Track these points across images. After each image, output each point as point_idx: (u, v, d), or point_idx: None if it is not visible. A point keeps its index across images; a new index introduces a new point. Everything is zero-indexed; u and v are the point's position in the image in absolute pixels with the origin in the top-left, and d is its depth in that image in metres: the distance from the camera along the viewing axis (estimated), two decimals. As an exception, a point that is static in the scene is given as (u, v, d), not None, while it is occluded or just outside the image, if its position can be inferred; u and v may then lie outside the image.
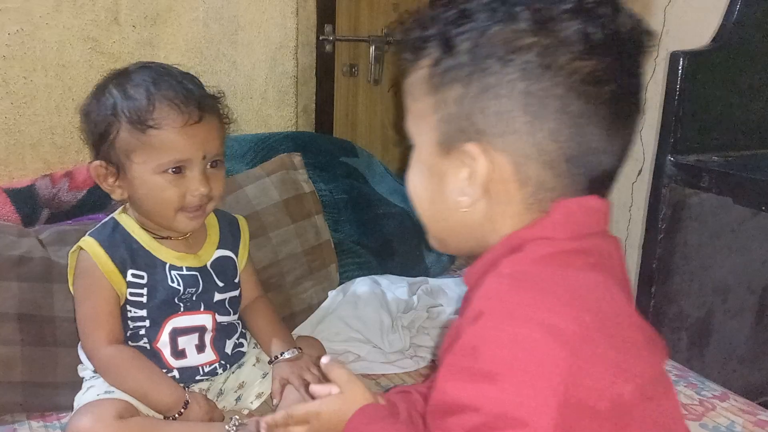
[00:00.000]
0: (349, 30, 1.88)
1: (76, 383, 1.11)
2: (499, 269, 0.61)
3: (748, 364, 1.84)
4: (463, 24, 0.61)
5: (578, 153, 0.61)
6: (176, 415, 1.04)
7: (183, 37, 1.58)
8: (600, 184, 0.64)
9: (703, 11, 1.78)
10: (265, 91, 1.72)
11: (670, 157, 1.60)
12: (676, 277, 1.67)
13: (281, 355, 1.14)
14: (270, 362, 1.15)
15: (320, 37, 1.77)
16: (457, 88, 0.62)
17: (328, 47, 1.81)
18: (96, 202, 1.40)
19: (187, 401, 1.05)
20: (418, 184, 0.68)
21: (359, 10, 1.89)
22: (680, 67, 1.57)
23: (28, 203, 1.37)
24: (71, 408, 1.09)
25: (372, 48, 1.90)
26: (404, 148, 0.70)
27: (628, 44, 0.61)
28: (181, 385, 1.09)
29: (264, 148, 1.59)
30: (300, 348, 1.16)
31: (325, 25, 1.79)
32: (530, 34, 0.59)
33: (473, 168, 0.62)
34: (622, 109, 0.62)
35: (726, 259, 1.73)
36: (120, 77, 1.06)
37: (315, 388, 0.80)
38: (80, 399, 1.08)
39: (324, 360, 0.79)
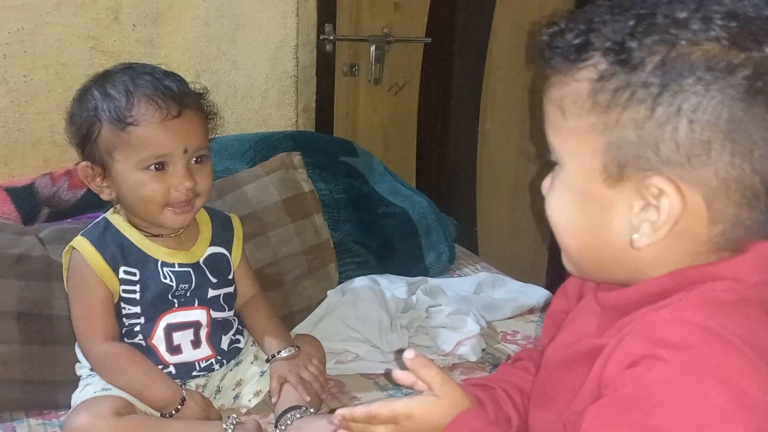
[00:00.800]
0: (350, 29, 1.88)
1: (75, 381, 1.12)
2: (679, 313, 0.53)
3: None
4: (645, 32, 0.52)
5: None
6: (173, 412, 1.05)
7: (183, 36, 1.58)
8: None
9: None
10: (265, 91, 1.72)
11: None
12: None
13: (278, 353, 1.14)
14: (267, 361, 1.16)
15: (321, 37, 1.77)
16: (638, 110, 0.53)
17: (328, 47, 1.81)
18: (96, 200, 1.39)
19: (184, 398, 1.05)
20: (566, 211, 0.60)
21: (360, 10, 1.89)
22: None
23: (29, 201, 1.38)
24: (70, 406, 1.09)
25: (372, 47, 1.90)
26: (543, 163, 0.62)
27: None
28: (178, 381, 1.09)
29: (264, 147, 1.59)
30: (297, 346, 1.16)
31: (326, 25, 1.79)
32: (738, 51, 0.51)
33: (656, 205, 0.54)
34: None
35: None
36: (101, 79, 1.08)
37: (400, 375, 0.70)
38: (77, 397, 1.09)
39: (409, 355, 0.68)
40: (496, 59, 2.11)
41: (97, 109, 1.04)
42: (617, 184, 0.55)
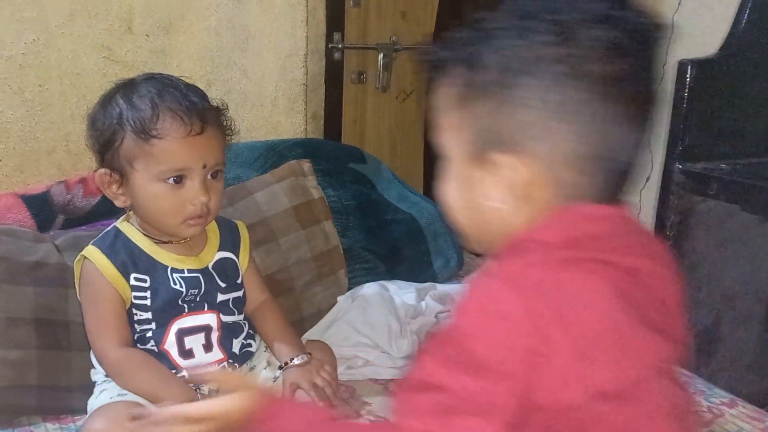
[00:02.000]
0: (358, 38, 1.90)
1: (91, 387, 1.13)
2: (489, 269, 0.65)
3: (756, 371, 1.84)
4: (490, 43, 0.65)
5: (608, 152, 0.64)
6: None
7: (195, 46, 1.61)
8: (623, 182, 0.67)
9: (712, 20, 1.79)
10: (275, 99, 1.74)
11: (678, 165, 1.61)
12: (683, 285, 1.68)
13: (291, 361, 1.16)
14: (280, 368, 1.17)
15: (329, 45, 1.79)
16: (488, 102, 0.65)
17: (337, 55, 1.83)
18: (110, 208, 1.40)
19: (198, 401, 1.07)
20: (452, 195, 0.71)
21: (367, 19, 1.91)
22: (688, 76, 1.58)
23: (44, 209, 1.39)
24: (86, 411, 1.11)
25: (380, 56, 1.92)
26: (435, 159, 0.73)
27: (645, 41, 0.64)
28: (191, 385, 1.11)
29: (274, 154, 1.60)
30: (309, 353, 1.18)
31: (334, 34, 1.81)
32: (556, 46, 0.62)
33: (509, 177, 0.66)
34: (642, 105, 0.65)
35: (734, 267, 1.74)
36: (126, 87, 1.09)
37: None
38: (93, 403, 1.10)
39: (186, 374, 0.84)
40: None
41: (122, 117, 1.05)
42: (482, 165, 0.67)
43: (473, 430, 0.60)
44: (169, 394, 1.06)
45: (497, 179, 0.67)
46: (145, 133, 1.03)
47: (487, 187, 0.68)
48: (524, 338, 0.60)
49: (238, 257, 1.21)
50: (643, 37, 0.64)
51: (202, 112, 1.06)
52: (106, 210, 1.41)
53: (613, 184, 0.67)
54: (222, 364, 1.14)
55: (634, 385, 0.64)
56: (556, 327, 0.60)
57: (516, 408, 0.61)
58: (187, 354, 1.12)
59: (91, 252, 1.10)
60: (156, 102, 1.05)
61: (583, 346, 0.61)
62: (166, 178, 1.05)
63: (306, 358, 1.16)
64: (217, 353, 1.14)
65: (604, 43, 0.62)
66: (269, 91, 1.72)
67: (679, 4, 1.89)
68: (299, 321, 1.40)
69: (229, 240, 1.20)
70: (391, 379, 1.29)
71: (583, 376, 0.61)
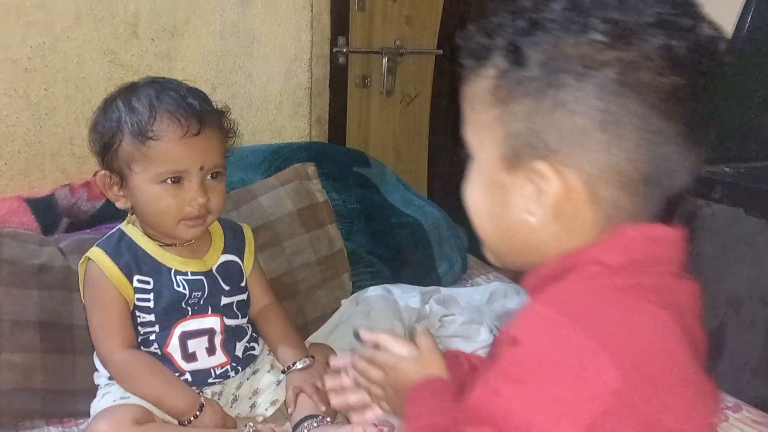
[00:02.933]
0: (362, 42, 1.91)
1: (94, 390, 1.13)
2: (546, 296, 0.59)
3: (761, 375, 1.84)
4: (535, 34, 0.58)
5: (655, 172, 0.58)
6: (191, 419, 1.06)
7: (200, 50, 1.61)
8: (673, 205, 0.62)
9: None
10: (279, 103, 1.74)
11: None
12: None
13: (294, 365, 1.16)
14: (284, 372, 1.17)
15: (334, 50, 1.80)
16: (526, 102, 0.59)
17: (341, 59, 1.84)
18: (114, 211, 1.41)
19: (202, 405, 1.07)
20: (478, 198, 0.66)
21: (372, 23, 1.92)
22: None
23: (48, 212, 1.40)
24: (89, 415, 1.11)
25: (385, 60, 1.92)
26: (461, 157, 0.68)
27: (708, 55, 0.58)
28: (194, 389, 1.11)
29: (278, 158, 1.61)
30: (312, 356, 1.18)
31: (339, 38, 1.81)
32: (609, 49, 0.56)
33: (543, 188, 0.60)
34: (699, 125, 0.59)
35: (739, 271, 1.73)
36: (127, 91, 1.10)
37: (386, 339, 0.83)
38: (96, 406, 1.10)
39: (419, 328, 0.83)
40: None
41: (120, 120, 1.07)
42: (514, 170, 0.61)
43: None
44: (174, 397, 1.06)
45: (530, 188, 0.60)
46: (142, 135, 1.04)
47: (518, 196, 0.61)
48: (595, 389, 0.53)
49: (242, 260, 1.21)
50: (707, 51, 0.58)
51: (200, 114, 1.07)
52: (111, 213, 1.42)
53: (660, 208, 0.60)
54: (225, 368, 1.14)
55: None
56: (630, 373, 0.53)
57: None
58: (190, 357, 1.13)
59: (96, 254, 1.11)
60: (154, 104, 1.06)
61: (657, 392, 0.55)
62: (163, 179, 1.06)
63: (309, 362, 1.16)
64: (220, 356, 1.14)
65: (663, 52, 0.56)
66: (274, 95, 1.73)
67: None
68: (303, 324, 1.40)
69: (234, 243, 1.21)
70: (395, 383, 1.28)
71: (658, 421, 0.55)
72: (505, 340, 0.60)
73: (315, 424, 1.08)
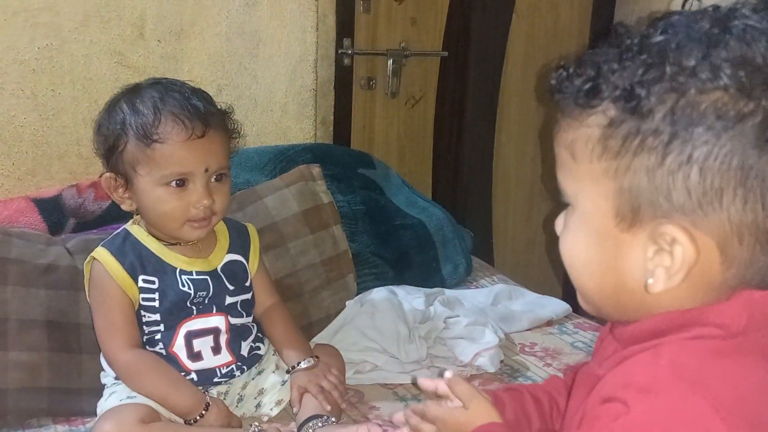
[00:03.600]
0: (367, 44, 1.91)
1: (100, 390, 1.14)
2: (656, 356, 0.54)
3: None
4: (655, 80, 0.52)
5: None
6: (197, 418, 1.06)
7: (206, 52, 1.62)
8: None
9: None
10: (285, 104, 1.75)
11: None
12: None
13: (298, 364, 1.16)
14: (288, 372, 1.17)
15: (339, 51, 1.80)
16: (647, 157, 0.53)
17: (346, 61, 1.84)
18: (120, 212, 1.41)
19: (208, 404, 1.07)
20: (580, 251, 0.59)
21: (377, 25, 1.92)
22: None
23: (55, 212, 1.41)
24: (95, 414, 1.12)
25: (390, 62, 1.92)
26: (555, 203, 0.62)
27: None
28: (200, 389, 1.11)
29: (283, 159, 1.61)
30: (317, 356, 1.18)
31: (344, 39, 1.82)
32: (748, 99, 0.50)
33: (672, 252, 0.53)
34: None
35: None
36: (131, 93, 1.10)
37: (424, 381, 0.82)
38: (103, 405, 1.11)
39: (447, 374, 0.80)
40: (511, 73, 2.13)
41: (125, 123, 1.07)
42: (631, 228, 0.55)
43: None
44: (179, 396, 1.07)
45: (653, 249, 0.54)
46: (146, 137, 1.05)
47: (636, 257, 0.55)
48: None
49: (247, 260, 1.21)
50: None
51: (204, 116, 1.07)
52: (117, 214, 1.42)
53: None
54: (230, 367, 1.15)
55: None
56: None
57: None
58: (195, 357, 1.13)
59: (101, 253, 1.11)
60: (158, 107, 1.06)
61: None
62: (168, 182, 1.06)
63: (313, 362, 1.16)
64: (225, 356, 1.15)
65: None
66: (279, 97, 1.73)
67: (685, 8, 1.89)
68: (308, 325, 1.41)
69: (239, 243, 1.21)
70: (400, 384, 1.29)
71: None
72: (602, 397, 0.56)
73: (320, 424, 1.08)
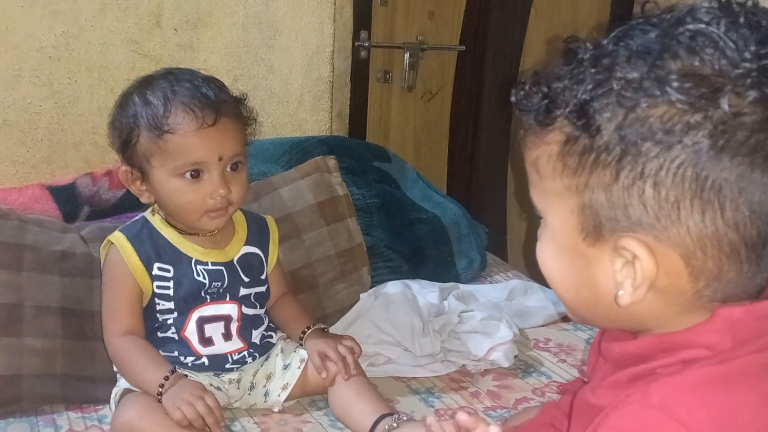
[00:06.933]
0: (384, 37, 1.90)
1: (114, 377, 1.14)
2: (647, 395, 0.53)
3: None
4: (602, 96, 0.51)
5: (765, 234, 0.51)
6: (162, 382, 1.03)
7: (222, 41, 1.61)
8: None
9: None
10: (301, 96, 1.74)
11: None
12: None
13: (308, 328, 1.17)
14: (300, 339, 1.17)
15: (356, 44, 1.79)
16: (602, 173, 0.52)
17: (363, 53, 1.83)
18: (135, 201, 1.41)
19: (173, 370, 1.05)
20: (553, 265, 0.60)
21: (394, 18, 1.91)
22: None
23: (70, 200, 1.41)
24: (109, 401, 1.12)
25: (406, 55, 1.91)
26: (531, 219, 0.62)
27: None
28: (211, 373, 1.11)
29: (299, 151, 1.61)
30: (326, 327, 1.20)
31: (361, 32, 1.81)
32: (695, 110, 0.49)
33: (634, 265, 0.53)
34: None
35: None
36: (142, 85, 1.10)
37: (462, 418, 0.71)
38: (114, 391, 1.11)
39: (461, 417, 0.70)
40: (528, 68, 2.11)
41: (137, 115, 1.07)
42: (596, 243, 0.55)
43: None
44: (156, 372, 1.04)
45: (619, 262, 0.54)
46: (158, 128, 1.05)
47: (603, 270, 0.55)
48: None
49: (266, 253, 1.21)
50: None
51: (215, 104, 1.06)
52: (132, 203, 1.42)
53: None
54: (242, 354, 1.14)
55: None
56: None
57: None
58: (207, 342, 1.13)
59: (117, 238, 1.12)
60: (169, 97, 1.06)
61: None
62: (182, 173, 1.06)
63: (324, 327, 1.18)
64: (236, 342, 1.15)
65: (761, 105, 0.49)
66: (295, 88, 1.72)
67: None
68: (322, 317, 1.40)
69: (257, 235, 1.21)
70: (413, 378, 1.28)
71: None
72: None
73: (395, 424, 1.04)
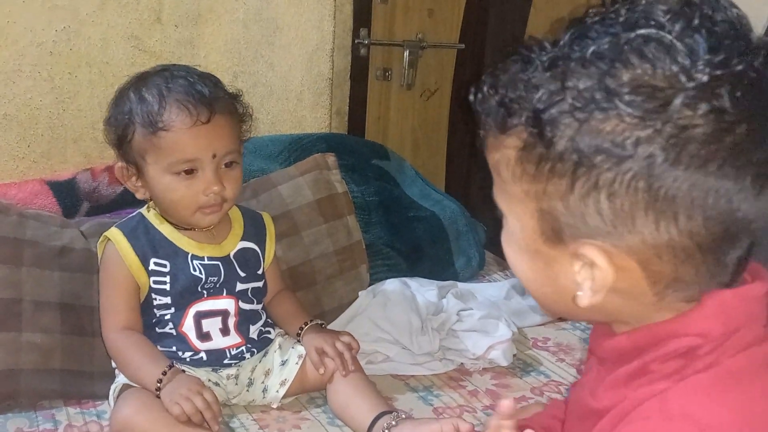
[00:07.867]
0: (384, 34, 1.90)
1: (112, 373, 1.14)
2: (663, 404, 0.53)
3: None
4: (555, 104, 0.51)
5: (722, 237, 0.52)
6: (161, 377, 1.04)
7: (223, 38, 1.61)
8: (745, 260, 0.55)
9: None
10: (300, 93, 1.74)
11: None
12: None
13: (305, 325, 1.18)
14: (298, 335, 1.18)
15: (355, 41, 1.79)
16: (560, 182, 0.52)
17: (362, 51, 1.83)
18: (134, 197, 1.41)
19: (171, 365, 1.05)
20: (517, 263, 0.60)
21: (394, 15, 1.91)
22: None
23: (69, 196, 1.41)
24: (107, 397, 1.12)
25: (406, 53, 1.91)
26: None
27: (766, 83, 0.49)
28: (209, 368, 1.11)
29: (298, 148, 1.61)
30: (323, 323, 1.20)
31: (361, 29, 1.81)
32: (646, 124, 0.49)
33: (592, 270, 0.54)
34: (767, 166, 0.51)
35: None
36: (138, 82, 1.10)
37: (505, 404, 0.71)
38: (112, 387, 1.11)
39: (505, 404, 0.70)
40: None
41: (132, 112, 1.07)
42: (556, 246, 0.55)
43: None
44: (154, 368, 1.05)
45: (578, 265, 0.54)
46: (152, 125, 1.05)
47: (564, 271, 0.56)
48: None
49: (263, 249, 1.21)
50: (765, 78, 0.49)
51: (209, 101, 1.07)
52: (131, 199, 1.41)
53: (735, 267, 0.54)
54: (240, 349, 1.14)
55: None
56: None
57: None
58: (204, 337, 1.14)
59: (114, 234, 1.12)
60: (163, 94, 1.06)
61: None
62: (176, 170, 1.07)
63: (322, 323, 1.19)
64: (234, 337, 1.15)
65: (713, 117, 0.48)
66: (295, 85, 1.72)
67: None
68: (320, 315, 1.40)
69: (253, 231, 1.21)
70: (412, 376, 1.28)
71: None
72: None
73: (394, 422, 1.05)
